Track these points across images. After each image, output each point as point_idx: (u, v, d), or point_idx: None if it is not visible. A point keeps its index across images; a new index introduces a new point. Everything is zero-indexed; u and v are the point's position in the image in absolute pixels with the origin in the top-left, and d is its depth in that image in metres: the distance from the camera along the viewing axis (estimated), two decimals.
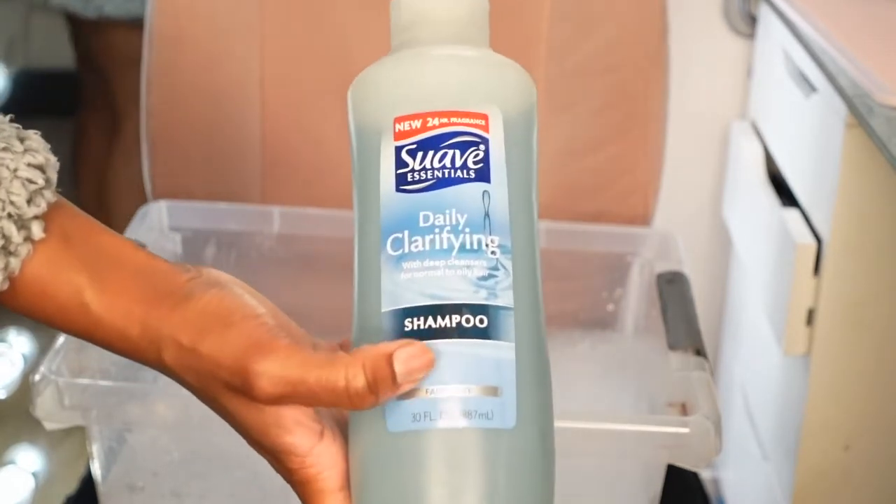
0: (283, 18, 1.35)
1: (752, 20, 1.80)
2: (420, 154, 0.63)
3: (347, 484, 0.62)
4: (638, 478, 1.05)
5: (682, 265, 1.26)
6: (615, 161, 1.39)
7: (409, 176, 0.63)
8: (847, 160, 1.35)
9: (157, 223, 1.29)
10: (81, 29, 2.22)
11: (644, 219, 1.40)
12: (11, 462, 2.21)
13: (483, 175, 0.63)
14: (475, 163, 0.63)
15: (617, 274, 1.34)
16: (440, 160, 0.63)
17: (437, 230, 0.62)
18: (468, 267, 0.62)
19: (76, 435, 1.10)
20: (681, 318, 1.16)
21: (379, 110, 0.65)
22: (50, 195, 0.65)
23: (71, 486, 1.23)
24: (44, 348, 2.40)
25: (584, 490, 1.05)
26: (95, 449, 1.03)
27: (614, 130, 1.39)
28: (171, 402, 0.98)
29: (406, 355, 0.59)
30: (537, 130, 0.67)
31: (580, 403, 1.24)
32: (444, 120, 0.64)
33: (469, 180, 0.63)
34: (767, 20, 1.74)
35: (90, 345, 1.05)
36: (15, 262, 0.64)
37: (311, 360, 0.60)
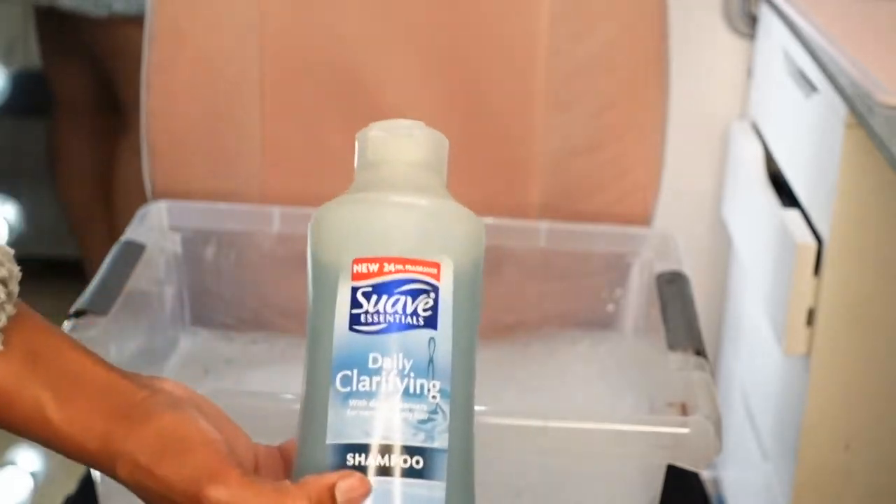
0: (283, 18, 1.35)
1: (753, 20, 1.80)
2: (374, 297, 0.67)
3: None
4: (638, 478, 1.05)
5: (681, 265, 1.26)
6: (615, 161, 1.39)
7: (363, 317, 0.67)
8: (847, 160, 1.35)
9: (157, 223, 1.29)
10: (89, 30, 2.21)
11: (644, 219, 1.40)
12: (11, 462, 2.21)
13: (431, 322, 0.67)
14: (424, 310, 0.67)
15: (617, 274, 1.34)
16: (393, 305, 0.67)
17: (384, 372, 0.66)
18: (410, 410, 0.66)
19: None
20: (681, 318, 1.16)
21: (339, 249, 0.68)
22: (11, 308, 0.68)
23: (70, 486, 1.23)
24: None
25: (584, 490, 1.05)
26: None
27: (614, 130, 1.39)
28: None
29: (346, 486, 0.64)
30: (481, 280, 0.72)
31: (580, 403, 1.23)
32: (400, 266, 0.67)
33: (417, 327, 0.67)
34: (767, 20, 1.74)
35: (91, 345, 1.05)
36: None
37: (261, 492, 0.64)
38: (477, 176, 1.36)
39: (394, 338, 0.67)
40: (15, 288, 0.68)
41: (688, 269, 1.25)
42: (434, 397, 0.67)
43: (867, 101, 1.27)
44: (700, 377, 1.04)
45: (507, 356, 1.33)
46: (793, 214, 1.50)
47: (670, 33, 1.38)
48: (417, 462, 0.66)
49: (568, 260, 1.34)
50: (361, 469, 0.65)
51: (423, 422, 0.66)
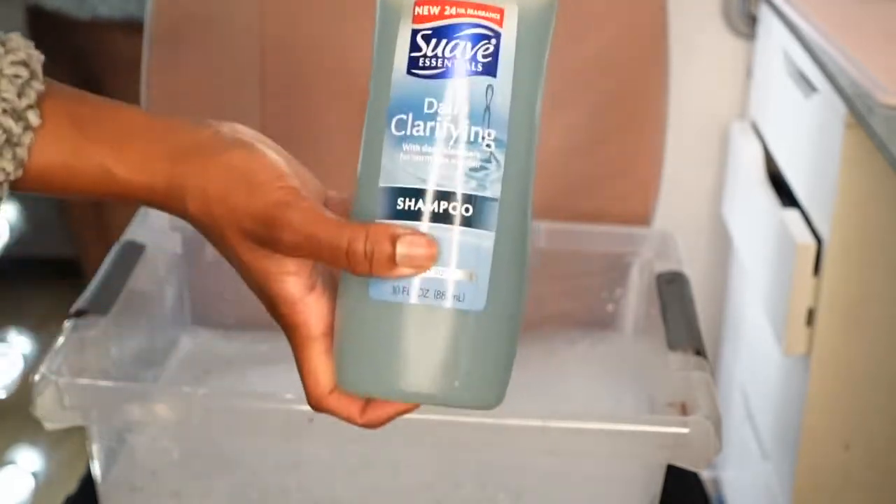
0: (283, 18, 1.35)
1: (752, 20, 1.80)
2: (434, 41, 0.66)
3: (330, 332, 0.69)
4: (638, 478, 1.05)
5: (681, 265, 1.26)
6: (615, 161, 1.39)
7: (421, 61, 0.66)
8: (847, 160, 1.35)
9: (157, 223, 1.29)
10: (74, 31, 2.21)
11: (644, 219, 1.40)
12: (11, 462, 2.21)
13: (490, 69, 0.66)
14: (484, 56, 0.66)
15: (617, 274, 1.34)
16: (452, 50, 0.66)
17: (439, 118, 0.66)
18: (463, 157, 0.66)
19: (76, 435, 1.10)
20: (681, 318, 1.16)
21: None
22: (38, 85, 0.70)
23: (71, 486, 1.23)
24: (44, 348, 2.40)
25: (584, 490, 1.05)
26: (95, 449, 1.03)
27: (614, 130, 1.39)
28: (171, 402, 0.98)
29: (410, 241, 0.65)
30: (552, 29, 0.71)
31: (580, 403, 1.24)
32: (461, 10, 0.66)
33: (476, 73, 0.66)
34: (767, 20, 1.74)
35: (90, 345, 1.06)
36: (21, 152, 0.69)
37: (327, 221, 0.66)
38: None
39: (451, 83, 0.66)
40: (38, 67, 0.70)
41: (688, 269, 1.25)
42: (488, 146, 0.66)
43: (867, 101, 1.27)
44: (700, 377, 1.04)
45: None
46: (793, 214, 1.50)
47: (670, 33, 1.38)
48: (467, 210, 0.66)
49: (568, 260, 1.34)
50: (410, 213, 0.66)
51: (475, 169, 0.66)
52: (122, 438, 1.06)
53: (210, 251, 1.32)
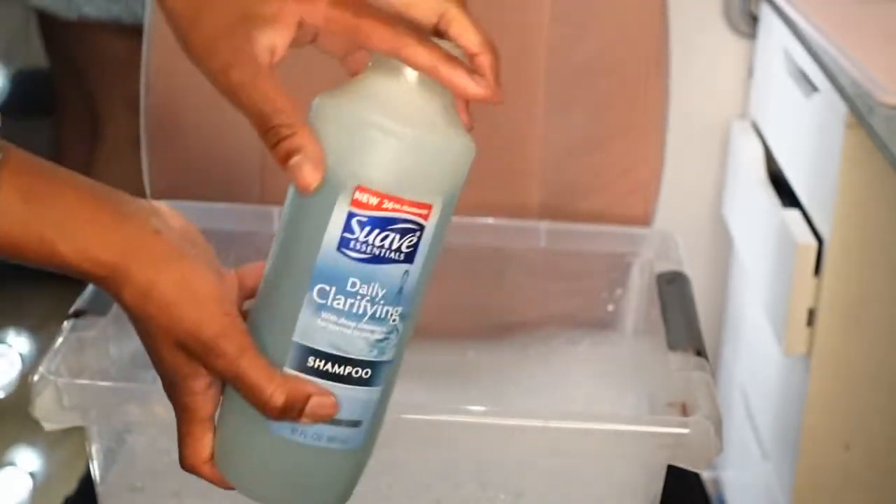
0: None
1: (753, 20, 1.80)
2: (368, 228, 0.71)
3: (213, 417, 0.77)
4: (638, 478, 1.05)
5: (682, 265, 1.26)
6: (615, 161, 1.39)
7: (353, 243, 0.72)
8: (847, 160, 1.35)
9: None
10: (60, 30, 2.22)
11: (644, 219, 1.39)
12: (10, 463, 2.21)
13: (410, 258, 0.73)
14: (408, 247, 0.72)
15: (617, 274, 1.34)
16: (382, 240, 0.72)
17: (359, 297, 0.72)
18: (371, 332, 0.73)
19: (75, 435, 1.10)
20: (681, 318, 1.15)
21: (344, 165, 0.71)
22: None
23: (70, 486, 1.23)
24: (43, 348, 2.40)
25: (584, 490, 1.05)
26: (94, 449, 1.03)
27: (614, 130, 1.39)
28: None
29: (319, 403, 0.73)
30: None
31: (580, 403, 1.23)
32: (398, 206, 0.71)
33: (398, 262, 0.72)
34: (768, 20, 1.74)
35: (90, 345, 1.05)
36: None
37: (258, 366, 0.73)
38: (477, 176, 1.35)
39: (375, 269, 0.72)
40: None
41: (688, 269, 1.25)
42: (394, 320, 0.74)
43: (867, 100, 1.27)
44: (700, 377, 1.04)
45: (507, 356, 1.33)
46: (793, 214, 1.50)
47: (670, 33, 1.38)
48: (367, 373, 0.74)
49: (568, 260, 1.34)
50: (317, 371, 0.73)
51: (380, 341, 0.73)
52: (121, 439, 1.06)
53: None
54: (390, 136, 0.71)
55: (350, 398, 0.74)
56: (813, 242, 1.42)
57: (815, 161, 1.46)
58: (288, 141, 0.71)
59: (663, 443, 0.96)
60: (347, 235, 0.71)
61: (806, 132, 1.52)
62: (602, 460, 1.05)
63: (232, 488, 0.78)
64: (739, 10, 1.80)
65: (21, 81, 2.67)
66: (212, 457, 0.77)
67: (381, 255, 0.72)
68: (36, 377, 0.98)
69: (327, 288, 0.72)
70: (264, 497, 0.77)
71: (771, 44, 1.71)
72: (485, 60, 0.75)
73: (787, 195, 1.57)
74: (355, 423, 0.75)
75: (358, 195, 0.71)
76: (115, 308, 1.11)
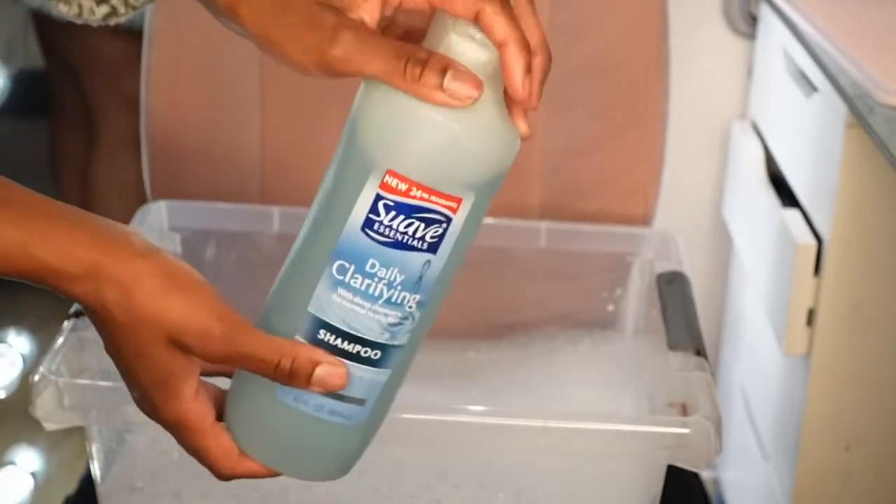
0: None
1: (753, 20, 1.80)
2: (393, 213, 0.71)
3: (217, 420, 0.76)
4: (638, 478, 1.05)
5: (682, 265, 1.26)
6: (615, 161, 1.39)
7: (377, 225, 0.72)
8: (847, 160, 1.35)
9: (157, 223, 1.29)
10: (55, 31, 2.21)
11: (644, 219, 1.40)
12: (11, 462, 2.21)
13: (433, 248, 0.73)
14: (432, 237, 0.72)
15: (617, 274, 1.34)
16: (406, 227, 0.72)
17: (377, 279, 0.72)
18: (385, 315, 0.73)
19: (76, 435, 1.10)
20: (681, 318, 1.16)
21: (379, 146, 0.71)
22: None
23: (70, 486, 1.23)
24: (43, 348, 2.40)
25: (584, 490, 1.05)
26: (95, 449, 1.03)
27: (614, 130, 1.39)
28: None
29: (328, 372, 0.73)
30: (491, 199, 0.74)
31: (580, 403, 1.23)
32: (426, 196, 0.71)
33: (420, 250, 0.72)
34: (768, 20, 1.74)
35: (90, 345, 1.05)
36: None
37: (261, 337, 0.73)
38: None
39: (395, 253, 0.72)
40: None
41: (688, 269, 1.25)
42: (411, 307, 0.74)
43: (867, 100, 1.27)
44: (700, 377, 1.04)
45: (507, 356, 1.33)
46: (793, 214, 1.50)
47: (670, 33, 1.38)
48: (376, 354, 0.74)
49: (568, 260, 1.34)
50: (328, 346, 0.73)
51: (393, 325, 0.73)
52: (121, 439, 1.06)
53: (210, 251, 1.32)
54: (431, 127, 0.71)
55: (357, 376, 0.74)
56: (813, 242, 1.42)
57: (815, 161, 1.46)
58: (431, 61, 0.70)
59: (663, 443, 0.96)
60: (372, 217, 0.72)
61: (806, 132, 1.52)
62: (602, 460, 1.05)
63: (278, 474, 0.78)
64: (739, 10, 1.80)
65: (21, 81, 2.67)
66: (239, 451, 0.77)
67: (404, 241, 0.72)
68: (36, 377, 0.98)
69: (347, 265, 0.72)
70: (264, 459, 0.77)
71: (771, 44, 1.71)
72: (538, 63, 0.73)
73: (787, 195, 1.57)
74: (359, 401, 0.75)
75: (388, 179, 0.71)
76: None
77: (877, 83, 1.29)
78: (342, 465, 0.79)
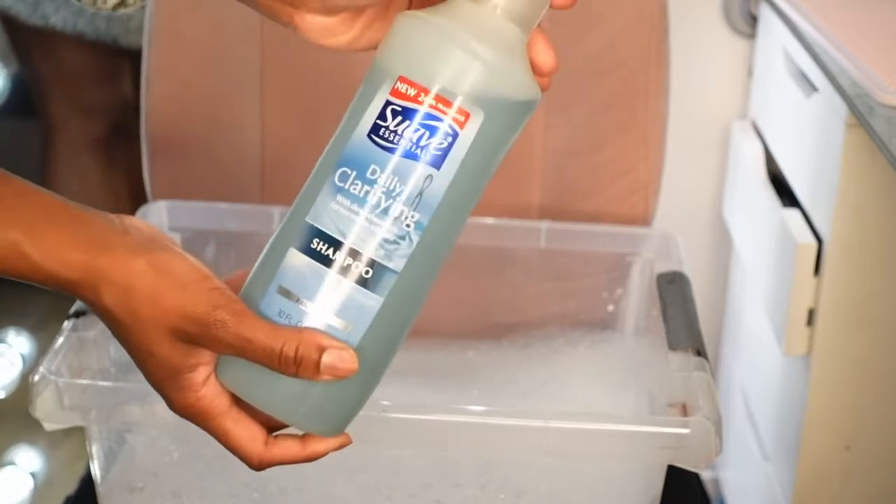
0: None
1: (753, 20, 1.80)
2: (399, 118, 0.72)
3: (234, 403, 0.75)
4: (638, 478, 1.05)
5: (682, 265, 1.26)
6: (615, 161, 1.39)
7: (382, 130, 0.72)
8: (847, 160, 1.35)
9: (157, 223, 1.29)
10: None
11: (644, 219, 1.40)
12: (11, 462, 2.21)
13: (436, 162, 0.72)
14: (436, 149, 0.72)
15: (617, 274, 1.34)
16: (411, 132, 0.72)
17: (375, 186, 0.72)
18: (382, 228, 0.72)
19: (76, 435, 1.10)
20: (681, 318, 1.16)
21: (395, 57, 0.73)
22: None
23: (70, 486, 1.23)
24: (43, 348, 2.40)
25: (584, 490, 1.05)
26: (95, 449, 1.03)
27: (614, 130, 1.39)
28: None
29: (336, 356, 0.72)
30: (509, 146, 0.76)
31: (580, 403, 1.23)
32: (433, 103, 0.71)
33: (422, 161, 0.72)
34: (768, 20, 1.74)
35: (90, 345, 1.05)
36: None
37: (262, 324, 0.72)
38: None
39: (397, 161, 0.72)
40: None
41: (688, 269, 1.25)
42: (408, 226, 0.72)
43: (867, 100, 1.27)
44: (700, 377, 1.04)
45: (507, 356, 1.33)
46: (793, 214, 1.50)
47: (670, 33, 1.38)
48: (367, 272, 0.72)
49: (568, 260, 1.34)
50: (319, 256, 0.72)
51: (388, 241, 0.72)
52: (121, 439, 1.06)
53: (210, 251, 1.32)
54: (447, 35, 0.72)
55: (343, 294, 0.72)
56: (813, 242, 1.42)
57: (815, 161, 1.46)
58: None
59: (663, 443, 0.96)
60: (379, 122, 0.72)
61: (806, 132, 1.52)
62: (602, 461, 1.05)
63: (310, 459, 0.76)
64: (739, 10, 1.80)
65: (21, 82, 2.67)
66: (266, 436, 0.75)
67: (407, 148, 0.71)
68: (36, 377, 0.98)
69: (349, 172, 0.72)
70: (256, 401, 0.74)
71: (771, 44, 1.71)
72: None
73: (787, 195, 1.57)
74: (344, 325, 0.72)
75: (398, 85, 0.72)
76: None
77: (877, 83, 1.29)
78: (324, 410, 0.74)
